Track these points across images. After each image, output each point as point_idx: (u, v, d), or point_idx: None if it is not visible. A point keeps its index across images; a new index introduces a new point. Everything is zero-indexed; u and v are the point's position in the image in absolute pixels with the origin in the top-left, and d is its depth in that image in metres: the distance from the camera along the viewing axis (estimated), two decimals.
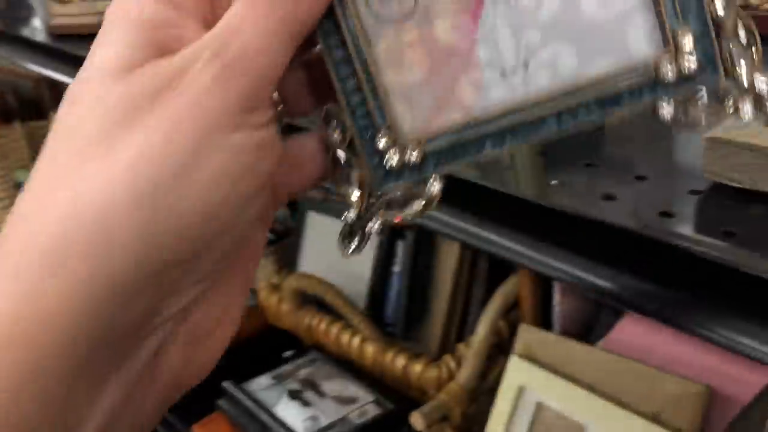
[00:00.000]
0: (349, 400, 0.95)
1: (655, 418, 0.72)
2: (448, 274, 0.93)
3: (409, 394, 0.95)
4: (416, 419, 0.82)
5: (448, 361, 0.89)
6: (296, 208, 1.12)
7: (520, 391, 0.78)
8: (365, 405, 0.94)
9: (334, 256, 0.97)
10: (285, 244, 1.13)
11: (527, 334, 0.81)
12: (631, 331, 0.82)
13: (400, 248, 0.95)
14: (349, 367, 1.01)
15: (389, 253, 0.96)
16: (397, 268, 0.96)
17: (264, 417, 0.92)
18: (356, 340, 0.95)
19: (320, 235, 1.05)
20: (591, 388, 0.75)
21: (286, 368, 1.02)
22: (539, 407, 0.78)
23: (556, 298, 0.84)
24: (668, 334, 0.80)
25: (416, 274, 0.93)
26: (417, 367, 0.89)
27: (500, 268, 0.97)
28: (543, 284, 0.85)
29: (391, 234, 0.95)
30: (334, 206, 1.04)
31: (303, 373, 1.01)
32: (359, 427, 0.90)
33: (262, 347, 1.07)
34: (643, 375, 0.73)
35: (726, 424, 0.75)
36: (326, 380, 1.00)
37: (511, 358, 0.80)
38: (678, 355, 0.78)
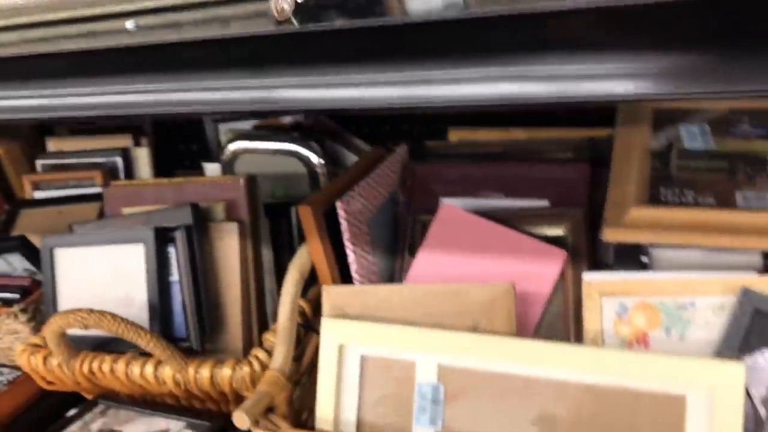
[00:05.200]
0: None
1: (475, 329, 0.77)
2: (233, 270, 0.90)
3: (229, 409, 0.89)
4: (239, 418, 0.76)
5: (257, 353, 0.85)
6: (35, 255, 1.00)
7: (341, 350, 0.78)
8: None
9: (100, 285, 0.88)
10: (36, 297, 0.99)
11: (333, 294, 0.82)
12: (427, 264, 0.87)
13: (173, 255, 0.90)
14: (150, 403, 0.91)
15: (162, 263, 0.89)
16: (174, 278, 0.90)
17: None
18: (149, 369, 0.86)
19: (76, 269, 0.94)
20: (409, 325, 0.77)
21: (73, 428, 0.88)
22: (364, 359, 0.78)
23: (350, 255, 0.86)
24: (463, 256, 0.86)
25: (197, 278, 0.88)
26: (226, 371, 0.84)
27: (284, 252, 0.97)
28: (334, 245, 0.87)
29: (159, 240, 0.89)
30: (78, 237, 0.95)
31: (96, 426, 0.89)
32: None
33: (39, 419, 0.92)
34: (452, 294, 0.78)
35: (535, 315, 0.83)
36: (126, 424, 0.89)
37: (322, 321, 0.80)
38: (474, 270, 0.85)
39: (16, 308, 0.98)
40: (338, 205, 0.87)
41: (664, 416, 0.70)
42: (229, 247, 0.91)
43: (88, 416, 0.91)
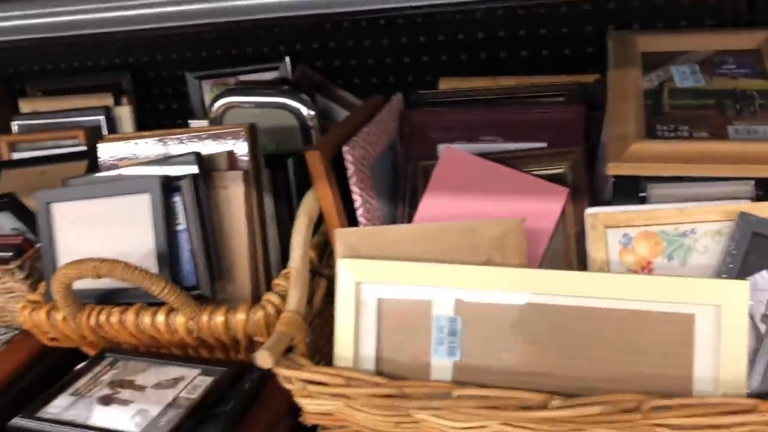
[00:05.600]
0: (174, 382, 0.85)
1: (488, 263, 0.80)
2: (239, 219, 0.90)
3: (239, 357, 0.90)
4: (262, 358, 0.76)
5: (270, 298, 0.86)
6: (25, 213, 0.98)
7: (358, 288, 0.79)
8: (194, 380, 0.86)
9: (101, 238, 0.87)
10: (32, 254, 0.97)
11: (345, 236, 0.83)
12: (432, 206, 0.89)
13: (179, 204, 0.89)
14: (155, 355, 0.90)
15: (168, 212, 0.89)
16: (181, 226, 0.89)
17: None
18: (161, 317, 0.86)
19: (76, 222, 0.93)
20: (422, 262, 0.79)
21: (83, 381, 0.87)
22: (381, 297, 0.80)
23: (357, 200, 0.88)
24: (468, 197, 0.88)
25: (205, 225, 0.88)
26: (240, 316, 0.84)
27: (283, 203, 0.97)
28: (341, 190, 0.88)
29: (165, 188, 0.88)
30: (77, 190, 0.93)
31: (107, 378, 0.88)
32: (196, 403, 0.81)
33: (44, 375, 0.91)
34: (464, 231, 0.81)
35: (539, 250, 0.86)
36: (139, 374, 0.88)
37: (338, 262, 0.81)
38: (479, 210, 0.87)
39: (12, 265, 0.96)
40: (345, 149, 0.88)
41: (674, 335, 0.74)
42: (234, 196, 0.91)
43: (96, 369, 0.89)
